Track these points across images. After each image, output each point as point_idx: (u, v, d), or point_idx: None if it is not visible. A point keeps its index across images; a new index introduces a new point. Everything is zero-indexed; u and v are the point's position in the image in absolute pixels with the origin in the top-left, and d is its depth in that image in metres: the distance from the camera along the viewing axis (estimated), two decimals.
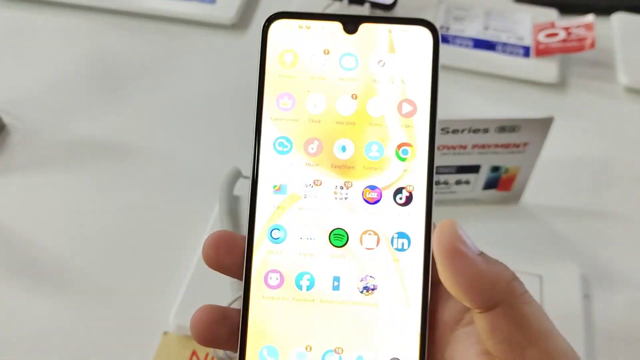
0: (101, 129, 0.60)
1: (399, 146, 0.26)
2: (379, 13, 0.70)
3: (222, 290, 0.46)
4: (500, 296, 0.22)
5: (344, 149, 0.27)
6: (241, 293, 0.42)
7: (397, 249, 0.26)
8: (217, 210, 0.51)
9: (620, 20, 0.72)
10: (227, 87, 0.65)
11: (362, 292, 0.26)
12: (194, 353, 0.45)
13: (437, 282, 0.25)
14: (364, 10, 0.68)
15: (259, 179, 0.27)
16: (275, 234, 0.26)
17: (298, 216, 0.26)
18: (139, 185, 0.56)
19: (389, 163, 0.26)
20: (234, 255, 0.26)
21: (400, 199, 0.26)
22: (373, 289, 0.26)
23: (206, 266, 0.49)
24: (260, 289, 0.26)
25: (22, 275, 0.49)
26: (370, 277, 0.26)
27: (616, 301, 0.49)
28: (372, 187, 0.26)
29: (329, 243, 0.26)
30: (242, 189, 0.54)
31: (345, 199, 0.26)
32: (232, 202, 0.52)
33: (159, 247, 0.51)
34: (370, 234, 0.26)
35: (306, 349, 0.26)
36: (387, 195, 0.26)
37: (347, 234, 0.26)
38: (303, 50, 0.27)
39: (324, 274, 0.26)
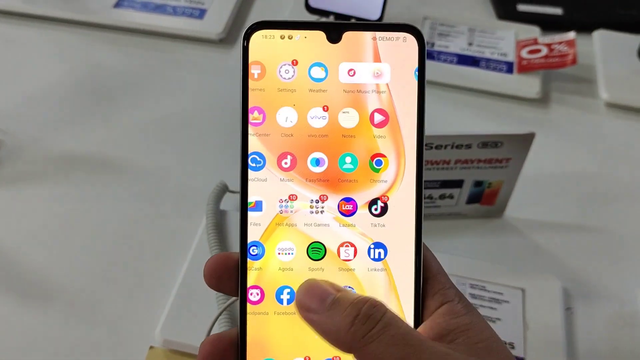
0: (90, 143, 0.60)
1: (375, 156, 0.26)
2: None
3: (209, 304, 0.46)
4: (348, 346, 0.24)
5: (328, 162, 0.27)
6: (225, 306, 0.42)
7: (373, 259, 0.26)
8: (204, 224, 0.51)
9: (601, 37, 0.74)
10: (214, 102, 0.66)
11: None
12: None
13: None
14: None
15: (243, 196, 0.27)
16: (253, 250, 0.27)
17: (275, 232, 0.27)
18: (126, 199, 0.56)
19: (374, 176, 0.27)
20: (233, 278, 0.27)
21: (376, 209, 0.27)
22: None
23: (192, 280, 0.49)
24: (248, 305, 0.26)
25: (7, 289, 0.49)
26: (349, 287, 0.26)
27: (597, 314, 0.50)
28: (347, 199, 0.27)
29: (307, 257, 0.27)
30: (229, 203, 0.54)
31: (322, 212, 0.27)
32: (219, 217, 0.52)
33: (146, 261, 0.51)
34: (347, 245, 0.27)
35: (306, 359, 0.26)
36: (363, 206, 0.27)
37: (324, 247, 0.27)
38: (284, 62, 0.26)
39: None
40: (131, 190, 0.57)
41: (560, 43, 0.68)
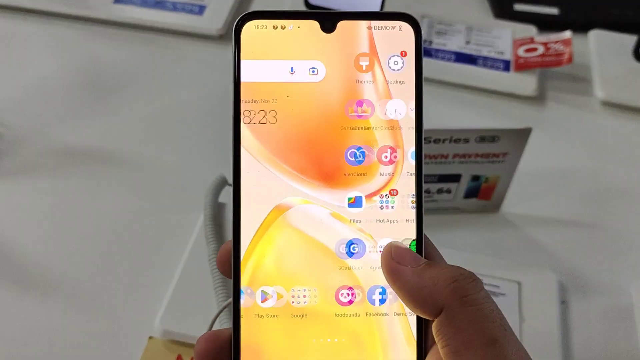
0: (89, 137, 0.61)
1: (382, 149, 0.26)
2: None
3: (207, 295, 0.47)
4: (442, 302, 0.22)
5: (326, 155, 0.25)
6: (225, 305, 0.41)
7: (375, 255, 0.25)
8: (203, 217, 0.52)
9: (596, 36, 0.74)
10: (214, 97, 0.66)
11: (373, 301, 0.25)
12: (179, 357, 0.45)
13: None
14: None
15: (242, 190, 0.25)
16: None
17: (283, 230, 0.25)
18: (126, 192, 0.56)
19: (374, 168, 0.26)
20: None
21: (386, 203, 0.26)
22: (352, 297, 0.25)
23: (191, 272, 0.50)
24: (252, 307, 0.25)
25: (7, 281, 0.49)
26: (350, 289, 0.25)
27: (592, 308, 0.50)
28: (356, 195, 0.26)
29: (301, 257, 0.25)
30: (228, 196, 0.55)
31: (330, 208, 0.25)
32: (217, 209, 0.52)
33: (145, 253, 0.52)
34: (356, 243, 0.25)
35: None
36: (372, 201, 0.26)
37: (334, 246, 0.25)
38: (280, 53, 0.25)
39: (324, 287, 0.25)
40: (131, 182, 0.57)
41: (556, 42, 0.69)
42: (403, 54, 0.26)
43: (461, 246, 0.54)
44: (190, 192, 0.55)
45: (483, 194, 0.55)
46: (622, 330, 0.49)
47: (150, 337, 0.46)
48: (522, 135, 0.50)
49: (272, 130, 0.25)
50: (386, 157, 0.26)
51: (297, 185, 0.25)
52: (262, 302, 0.25)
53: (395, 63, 0.26)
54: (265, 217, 0.25)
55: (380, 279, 0.25)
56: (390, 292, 0.25)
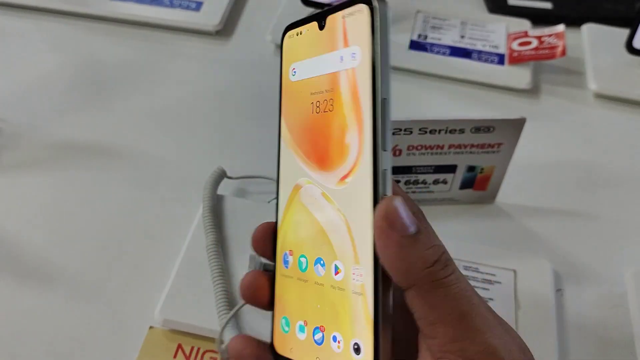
0: (87, 131, 0.61)
1: (349, 135, 0.26)
2: None
3: (207, 287, 0.47)
4: (415, 278, 0.23)
5: (319, 141, 0.28)
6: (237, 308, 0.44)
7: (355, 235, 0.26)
8: (202, 208, 0.52)
9: (589, 30, 0.75)
10: (211, 92, 0.67)
11: (334, 274, 0.26)
12: (179, 347, 0.46)
13: None
14: None
15: (280, 171, 0.30)
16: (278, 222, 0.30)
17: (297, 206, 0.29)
18: (125, 184, 0.57)
19: (345, 153, 0.26)
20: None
21: (352, 184, 0.26)
22: (339, 273, 0.26)
23: (191, 262, 0.50)
24: (280, 268, 0.30)
25: (8, 273, 0.49)
26: (339, 261, 0.26)
27: (586, 295, 0.51)
28: (335, 177, 0.27)
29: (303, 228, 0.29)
30: (226, 188, 0.55)
31: (321, 188, 0.27)
32: (215, 201, 0.53)
33: (145, 244, 0.52)
34: (333, 222, 0.27)
35: (304, 323, 0.28)
36: (344, 182, 0.26)
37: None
38: (298, 55, 0.29)
39: (312, 257, 0.28)
40: (130, 175, 0.57)
41: (550, 35, 0.70)
42: (364, 39, 0.25)
43: (457, 236, 0.54)
44: (189, 185, 0.56)
45: (478, 184, 0.55)
46: (616, 318, 0.50)
47: (151, 327, 0.46)
48: (516, 125, 0.50)
49: (293, 120, 0.29)
50: (351, 142, 0.26)
51: (304, 167, 0.28)
52: (284, 264, 0.30)
53: (360, 51, 0.25)
54: (290, 193, 0.29)
55: (349, 260, 0.26)
56: (356, 271, 0.25)
